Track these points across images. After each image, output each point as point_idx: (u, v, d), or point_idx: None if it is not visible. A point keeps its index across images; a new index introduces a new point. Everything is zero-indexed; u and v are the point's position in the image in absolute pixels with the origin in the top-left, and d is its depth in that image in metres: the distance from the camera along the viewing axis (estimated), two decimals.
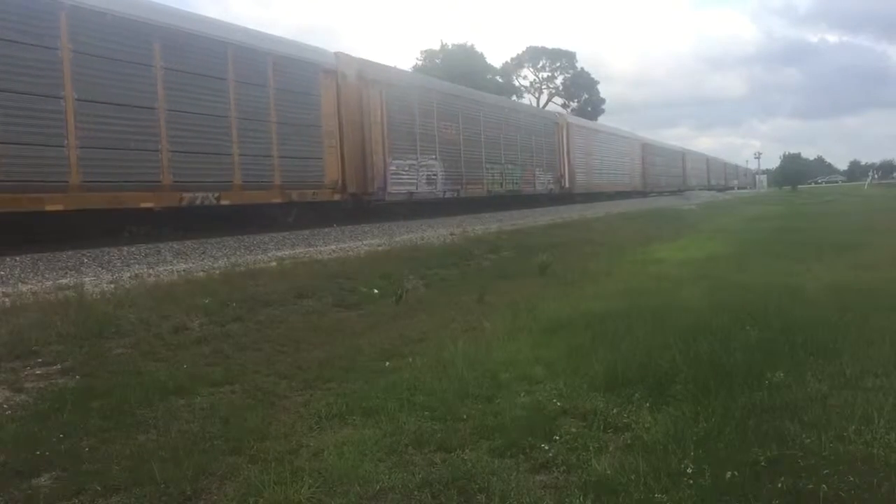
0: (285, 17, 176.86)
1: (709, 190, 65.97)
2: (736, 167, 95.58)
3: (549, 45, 79.70)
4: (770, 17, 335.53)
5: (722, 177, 78.74)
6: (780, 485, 3.07)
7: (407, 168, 18.29)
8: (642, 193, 45.18)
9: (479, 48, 69.25)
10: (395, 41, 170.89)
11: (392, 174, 17.56)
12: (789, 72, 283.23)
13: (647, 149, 48.03)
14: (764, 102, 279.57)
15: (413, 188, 18.59)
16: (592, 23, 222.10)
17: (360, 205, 16.81)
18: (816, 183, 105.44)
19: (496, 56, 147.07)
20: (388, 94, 17.57)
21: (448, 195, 20.49)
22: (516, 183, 25.75)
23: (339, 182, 15.60)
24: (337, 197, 15.62)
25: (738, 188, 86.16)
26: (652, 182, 47.61)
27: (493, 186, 23.71)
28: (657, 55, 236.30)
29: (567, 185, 31.60)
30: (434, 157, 19.62)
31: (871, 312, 6.27)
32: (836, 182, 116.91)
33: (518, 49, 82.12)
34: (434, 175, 19.62)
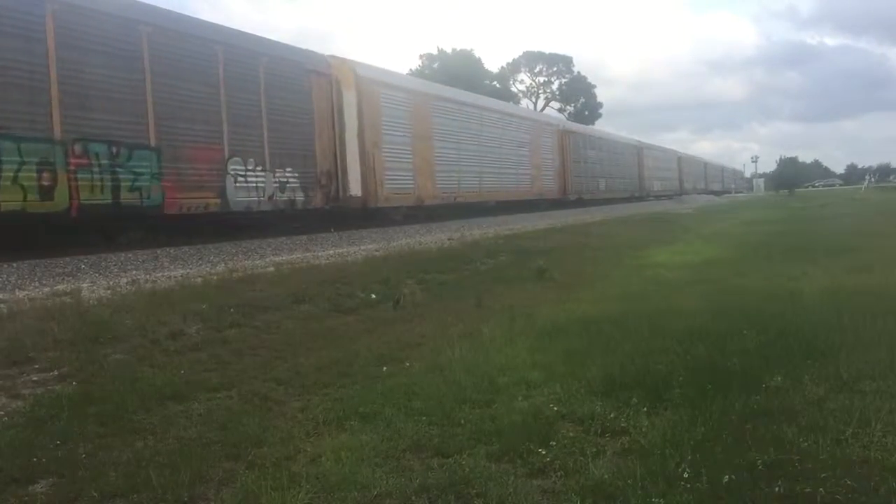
0: (283, 22, 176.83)
1: (707, 194, 65.83)
2: (732, 171, 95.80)
3: (549, 50, 79.77)
4: (772, 20, 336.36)
5: (720, 181, 78.75)
6: (777, 488, 3.07)
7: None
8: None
9: (476, 53, 69.26)
10: (393, 46, 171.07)
11: None
12: (790, 75, 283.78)
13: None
14: (763, 106, 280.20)
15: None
16: (593, 27, 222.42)
17: None
18: (814, 186, 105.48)
19: (494, 61, 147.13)
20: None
21: None
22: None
23: None
24: None
25: (735, 192, 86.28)
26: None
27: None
28: (658, 58, 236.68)
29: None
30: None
31: (867, 315, 6.28)
32: (834, 185, 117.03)
33: (515, 54, 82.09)
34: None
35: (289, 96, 15.65)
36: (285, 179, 15.42)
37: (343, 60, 18.08)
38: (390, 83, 19.91)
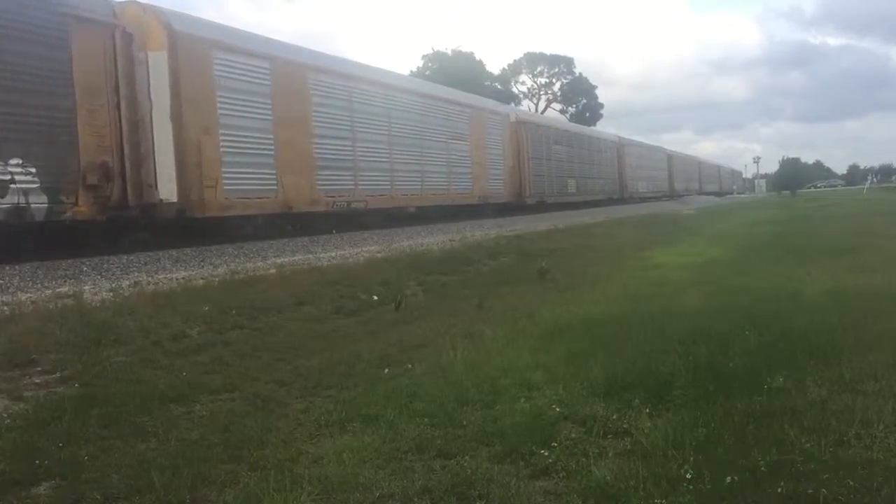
0: (284, 23, 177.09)
1: (702, 195, 65.16)
2: (731, 171, 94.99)
3: (551, 51, 79.88)
4: (776, 20, 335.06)
5: (716, 181, 77.31)
6: (780, 489, 3.06)
7: None
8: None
9: (478, 55, 69.36)
10: (395, 47, 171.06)
11: None
12: (793, 75, 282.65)
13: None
14: (766, 106, 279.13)
15: None
16: (596, 28, 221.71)
17: None
18: (815, 187, 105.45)
19: (496, 62, 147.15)
20: None
21: None
22: None
23: None
24: None
25: (737, 193, 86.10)
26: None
27: None
28: (661, 59, 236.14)
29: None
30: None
31: (870, 316, 6.27)
32: (836, 186, 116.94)
33: (517, 55, 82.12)
34: None
35: (19, 49, 10.47)
36: (8, 176, 10.25)
37: (145, 8, 12.90)
38: (232, 45, 14.47)
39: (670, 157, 57.07)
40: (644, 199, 46.89)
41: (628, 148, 45.11)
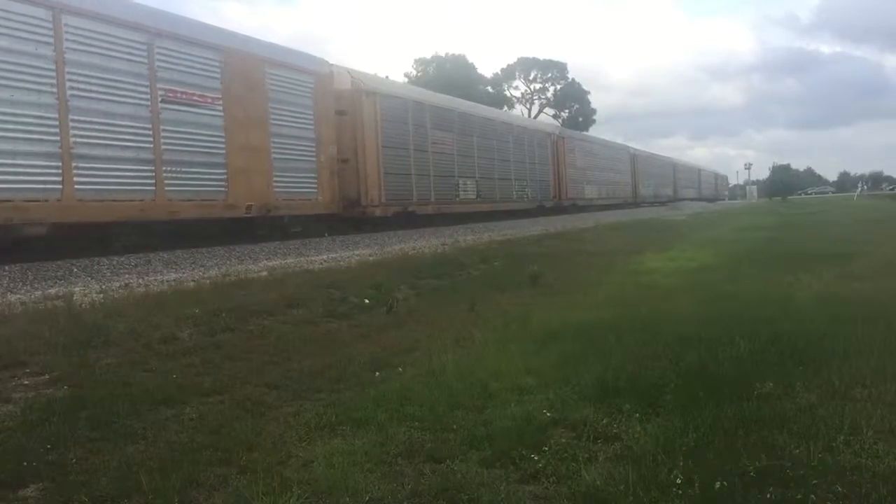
0: (279, 27, 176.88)
1: (701, 200, 64.36)
2: (714, 174, 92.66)
3: (546, 56, 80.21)
4: (771, 27, 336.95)
5: (695, 186, 72.73)
6: (769, 495, 3.08)
7: None
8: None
9: (471, 59, 69.40)
10: (387, 51, 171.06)
11: None
12: (788, 82, 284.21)
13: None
14: (760, 113, 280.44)
15: None
16: (593, 33, 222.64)
17: None
18: (807, 194, 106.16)
19: (490, 67, 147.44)
20: None
21: None
22: None
23: None
24: None
25: (729, 199, 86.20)
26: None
27: None
28: (658, 65, 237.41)
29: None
30: None
31: (859, 322, 6.31)
32: (826, 193, 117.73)
33: (511, 60, 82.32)
34: None
35: None
36: None
37: None
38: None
39: (635, 157, 49.03)
40: (605, 207, 39.65)
41: (571, 142, 36.90)
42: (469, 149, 25.59)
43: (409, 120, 21.56)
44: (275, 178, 15.73)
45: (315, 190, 17.16)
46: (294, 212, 16.46)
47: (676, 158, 67.32)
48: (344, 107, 18.44)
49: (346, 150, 18.43)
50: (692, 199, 63.61)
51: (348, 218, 18.63)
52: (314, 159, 17.14)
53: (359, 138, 18.85)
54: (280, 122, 15.99)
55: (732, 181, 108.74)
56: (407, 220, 20.72)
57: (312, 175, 17.12)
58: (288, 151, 16.20)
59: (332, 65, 18.45)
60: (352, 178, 18.67)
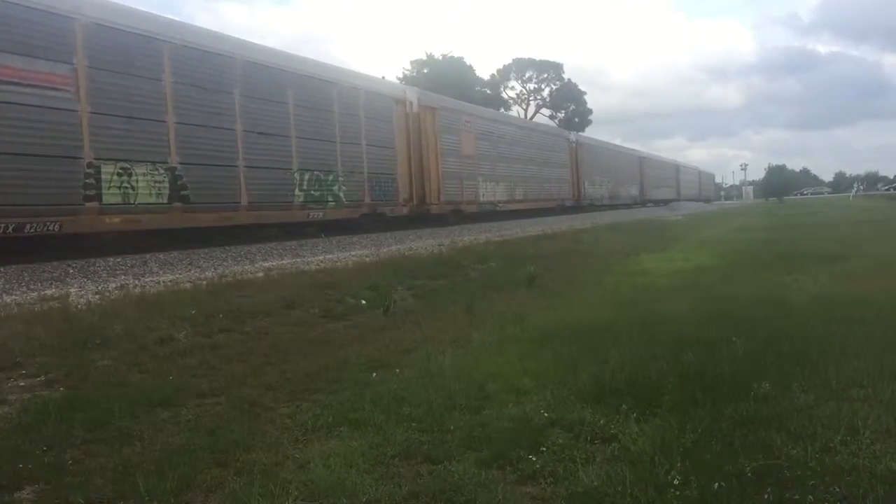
0: (279, 27, 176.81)
1: (698, 201, 64.06)
2: (697, 171, 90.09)
3: (547, 57, 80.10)
4: (772, 27, 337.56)
5: (672, 185, 72.18)
6: (766, 496, 3.08)
7: None
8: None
9: (468, 60, 69.47)
10: (383, 51, 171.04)
11: None
12: (788, 82, 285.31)
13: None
14: (759, 113, 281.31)
15: None
16: (594, 34, 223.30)
17: None
18: (802, 194, 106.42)
19: (486, 68, 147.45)
20: None
21: None
22: None
23: None
24: None
25: (725, 199, 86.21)
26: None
27: None
28: (658, 65, 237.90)
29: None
30: None
31: (856, 323, 6.31)
32: (822, 193, 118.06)
33: (508, 61, 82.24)
34: None
35: None
36: None
37: None
38: None
39: (577, 147, 39.20)
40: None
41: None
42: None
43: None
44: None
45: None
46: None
47: (644, 153, 66.21)
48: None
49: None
50: (689, 200, 64.66)
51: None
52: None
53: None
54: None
55: (729, 182, 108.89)
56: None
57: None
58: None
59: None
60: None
